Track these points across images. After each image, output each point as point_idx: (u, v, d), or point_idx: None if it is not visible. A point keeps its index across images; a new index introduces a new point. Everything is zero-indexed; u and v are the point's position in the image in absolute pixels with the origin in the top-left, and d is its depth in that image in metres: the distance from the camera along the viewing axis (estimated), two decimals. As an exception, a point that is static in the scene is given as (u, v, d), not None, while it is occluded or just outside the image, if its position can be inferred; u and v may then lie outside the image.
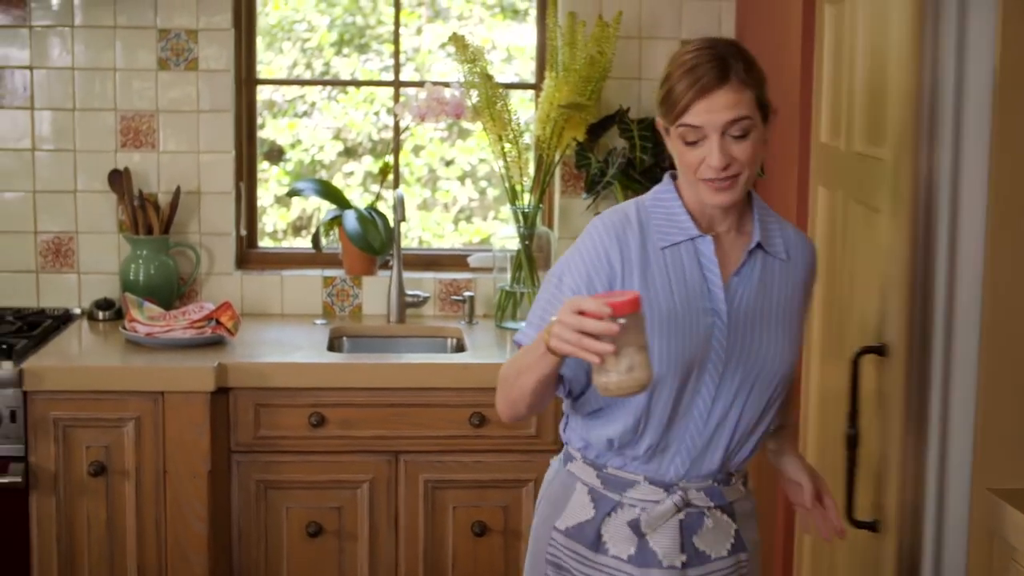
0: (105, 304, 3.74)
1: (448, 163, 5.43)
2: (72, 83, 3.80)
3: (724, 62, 2.15)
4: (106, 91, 3.80)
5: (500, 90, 3.73)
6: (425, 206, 5.42)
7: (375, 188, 4.10)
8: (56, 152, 3.82)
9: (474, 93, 3.74)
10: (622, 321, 1.93)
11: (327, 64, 5.33)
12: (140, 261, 3.73)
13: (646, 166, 3.68)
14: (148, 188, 3.82)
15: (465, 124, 4.14)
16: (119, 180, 3.78)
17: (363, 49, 5.40)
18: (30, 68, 3.80)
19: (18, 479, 3.19)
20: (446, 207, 5.48)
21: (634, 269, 2.21)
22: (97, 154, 3.82)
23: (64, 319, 3.71)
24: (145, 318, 3.49)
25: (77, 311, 3.81)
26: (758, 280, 2.25)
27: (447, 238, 5.37)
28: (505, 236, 3.86)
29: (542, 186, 3.79)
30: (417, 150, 5.34)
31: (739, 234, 2.27)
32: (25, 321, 3.62)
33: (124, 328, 3.48)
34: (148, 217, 3.75)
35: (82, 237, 3.84)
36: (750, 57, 2.19)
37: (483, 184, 5.42)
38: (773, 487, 3.18)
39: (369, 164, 5.25)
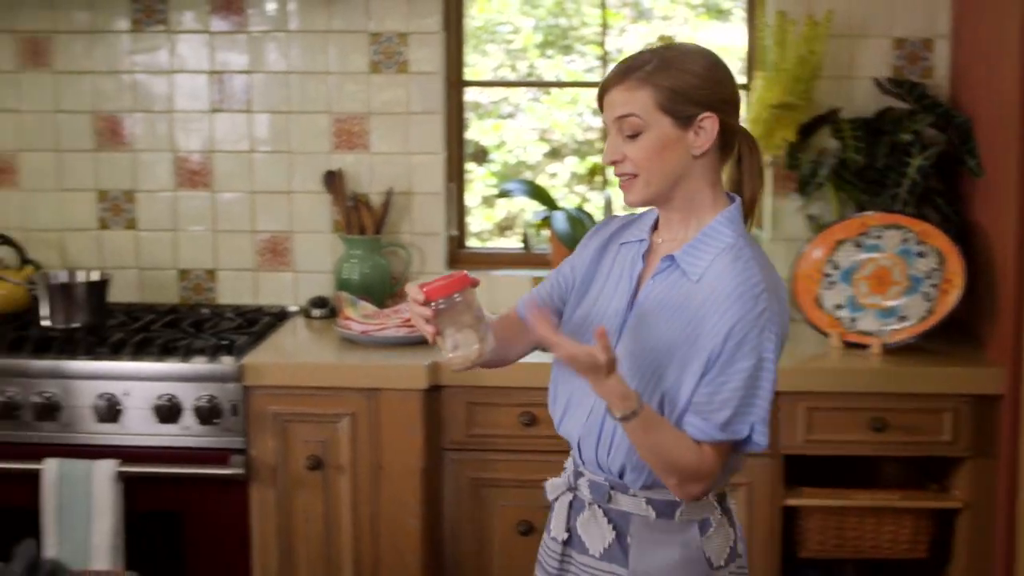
0: (320, 302, 3.83)
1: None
2: (288, 87, 3.90)
3: (634, 62, 2.19)
4: (320, 94, 3.89)
5: (709, 90, 3.70)
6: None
7: (579, 189, 4.11)
8: (273, 154, 3.92)
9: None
10: (438, 305, 2.08)
11: (531, 66, 5.37)
12: (354, 260, 3.80)
13: (859, 167, 3.61)
14: (361, 189, 3.89)
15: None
16: (334, 181, 3.86)
17: (567, 50, 5.42)
18: (248, 72, 3.91)
19: (240, 471, 3.28)
20: (648, 207, 5.45)
21: (585, 263, 2.36)
22: (312, 155, 3.91)
23: (281, 316, 3.81)
24: (359, 316, 3.56)
25: (293, 309, 3.91)
26: (663, 290, 2.22)
27: (648, 239, 5.34)
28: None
29: (752, 187, 3.74)
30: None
31: (676, 247, 2.26)
32: (244, 318, 3.73)
33: (339, 326, 3.55)
34: (361, 217, 3.82)
35: (298, 236, 3.94)
36: (678, 62, 2.17)
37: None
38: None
39: (573, 165, 5.26)
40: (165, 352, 3.39)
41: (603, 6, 4.06)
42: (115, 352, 3.39)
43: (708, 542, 2.23)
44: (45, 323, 3.49)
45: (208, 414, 3.29)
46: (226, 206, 3.95)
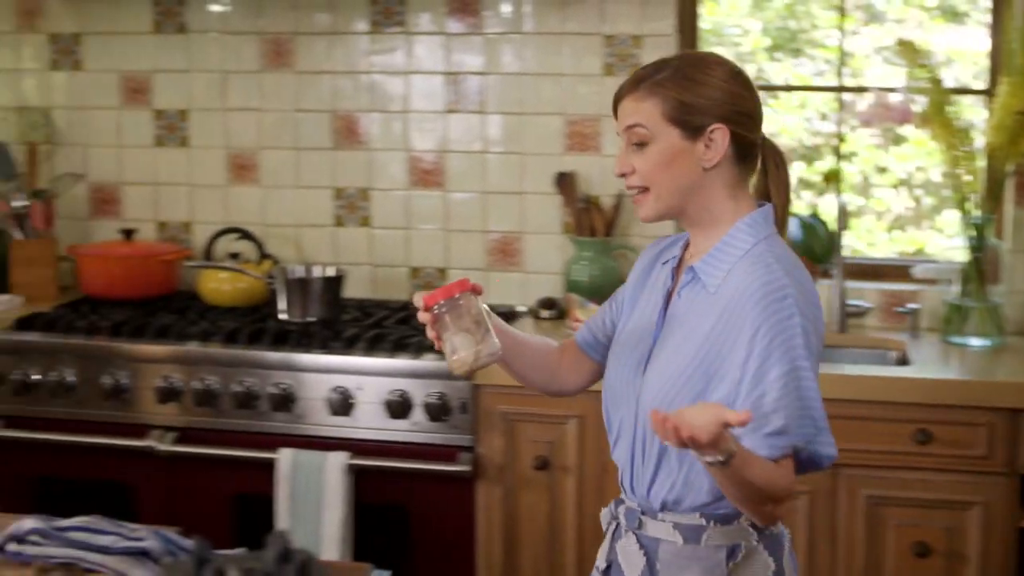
0: (548, 303, 3.84)
1: (882, 170, 5.28)
2: (521, 88, 3.93)
3: (647, 71, 2.13)
4: (553, 96, 3.91)
5: (949, 96, 3.59)
6: (857, 213, 5.29)
7: (805, 194, 4.03)
8: (505, 155, 3.96)
9: (920, 99, 3.62)
10: (436, 310, 2.12)
11: (760, 69, 5.29)
12: (583, 262, 3.81)
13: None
14: (592, 191, 3.89)
15: (905, 130, 4.00)
16: (565, 183, 3.87)
17: (796, 53, 5.33)
18: (483, 74, 3.95)
19: (467, 468, 3.32)
20: (879, 215, 5.33)
21: (632, 284, 2.31)
22: (544, 157, 3.93)
23: (509, 316, 3.84)
24: (588, 318, 3.55)
25: (521, 309, 3.93)
26: (684, 304, 2.15)
27: (880, 247, 5.22)
28: (948, 247, 3.71)
29: (994, 196, 3.62)
30: (850, 156, 5.22)
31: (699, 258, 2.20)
32: (474, 317, 3.77)
33: (568, 328, 3.56)
34: (592, 219, 3.82)
35: (528, 237, 3.96)
36: (689, 71, 2.11)
37: (917, 192, 5.24)
38: None
39: (802, 170, 5.17)
40: (397, 348, 3.45)
41: (841, 9, 3.97)
42: (349, 347, 3.46)
43: (737, 570, 2.12)
44: (282, 316, 3.58)
45: (438, 411, 3.33)
46: (458, 206, 3.99)
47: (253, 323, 3.66)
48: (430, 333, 2.14)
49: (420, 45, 3.97)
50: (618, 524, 2.24)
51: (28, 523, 1.90)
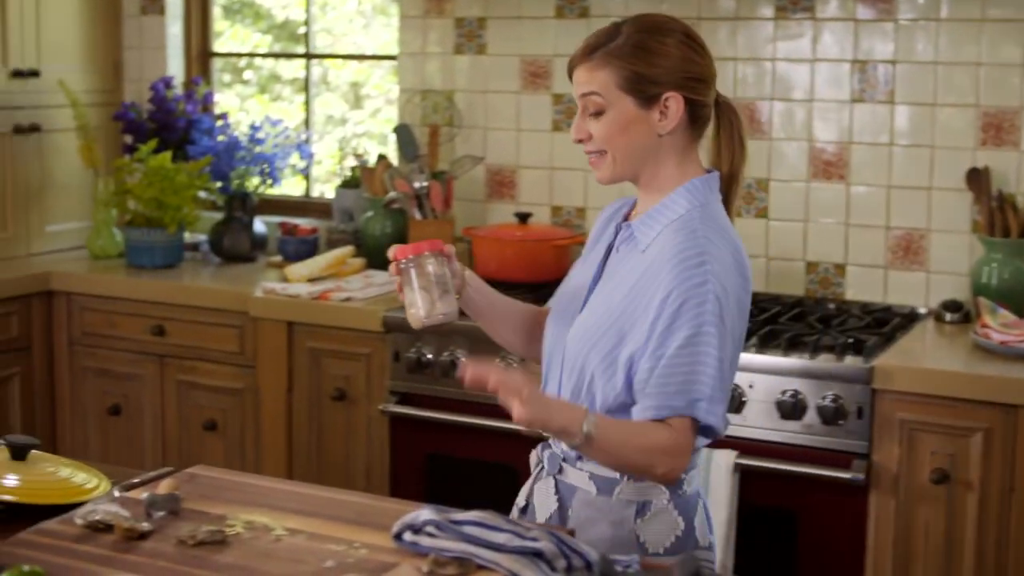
0: (953, 306, 3.63)
1: None
2: (934, 78, 3.71)
3: (600, 39, 2.16)
4: (968, 87, 3.68)
5: None
6: None
7: None
8: (912, 148, 3.75)
9: None
10: (401, 264, 2.20)
11: None
12: (994, 264, 3.56)
13: None
14: (1007, 188, 3.64)
15: None
16: (977, 179, 3.64)
17: None
18: (892, 62, 3.76)
19: (860, 476, 3.16)
20: None
21: (589, 240, 2.37)
22: (955, 151, 3.70)
23: (910, 318, 3.65)
24: (998, 325, 3.33)
25: (923, 311, 3.73)
26: (617, 259, 2.23)
27: None
28: None
29: None
30: None
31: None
32: (873, 317, 3.60)
33: (976, 333, 3.34)
34: (1006, 219, 3.57)
35: (934, 235, 3.75)
36: (643, 39, 2.13)
37: None
38: None
39: None
40: (791, 347, 3.33)
41: None
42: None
43: (644, 526, 2.17)
44: (674, 308, 3.52)
45: (832, 415, 3.19)
46: (860, 199, 3.82)
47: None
48: (395, 285, 2.23)
49: (827, 32, 3.82)
50: (542, 467, 2.30)
51: (425, 514, 1.91)
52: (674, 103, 2.15)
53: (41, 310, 4.17)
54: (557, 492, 2.25)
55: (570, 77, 2.22)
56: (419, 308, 2.21)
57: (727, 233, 2.20)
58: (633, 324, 2.12)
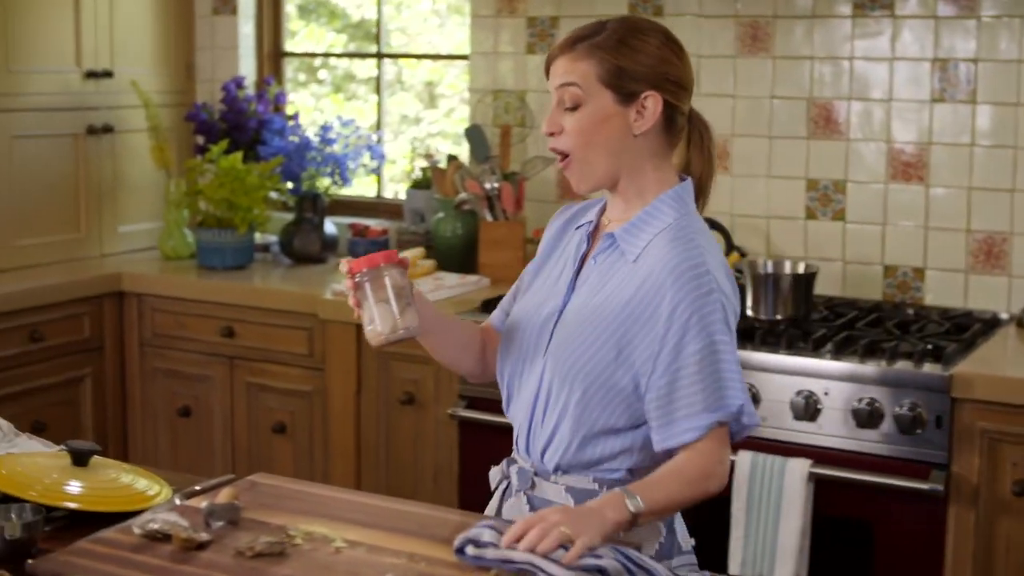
0: (1036, 312, 3.53)
1: None
2: (1018, 76, 3.61)
3: (584, 32, 2.12)
4: (1054, 85, 3.58)
5: None
6: None
7: None
8: (995, 148, 3.65)
9: None
10: (358, 278, 2.08)
11: None
12: (1080, 269, 3.47)
13: None
14: (1094, 191, 3.54)
15: None
16: (1063, 181, 3.54)
17: None
18: (974, 61, 3.66)
19: (938, 487, 3.08)
20: None
21: (542, 252, 2.29)
22: (1039, 152, 3.61)
23: (992, 324, 3.55)
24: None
25: (1004, 316, 3.63)
26: (602, 271, 2.15)
27: None
28: None
29: None
30: None
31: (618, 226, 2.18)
32: (952, 323, 3.51)
33: (1060, 341, 3.25)
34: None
35: (1016, 239, 3.64)
36: (627, 36, 2.09)
37: None
38: None
39: None
40: (868, 353, 3.25)
41: None
42: (816, 348, 3.29)
43: (629, 536, 2.03)
44: (749, 313, 3.45)
45: (910, 423, 3.10)
46: (939, 202, 3.73)
47: (717, 317, 3.55)
48: (351, 301, 2.12)
49: (907, 29, 3.73)
50: (508, 483, 2.23)
51: (487, 535, 1.86)
52: (652, 102, 2.10)
53: (112, 311, 4.19)
54: (532, 509, 2.16)
55: (547, 71, 2.16)
56: (378, 324, 2.08)
57: (714, 241, 2.17)
58: (633, 337, 2.07)
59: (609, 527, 1.91)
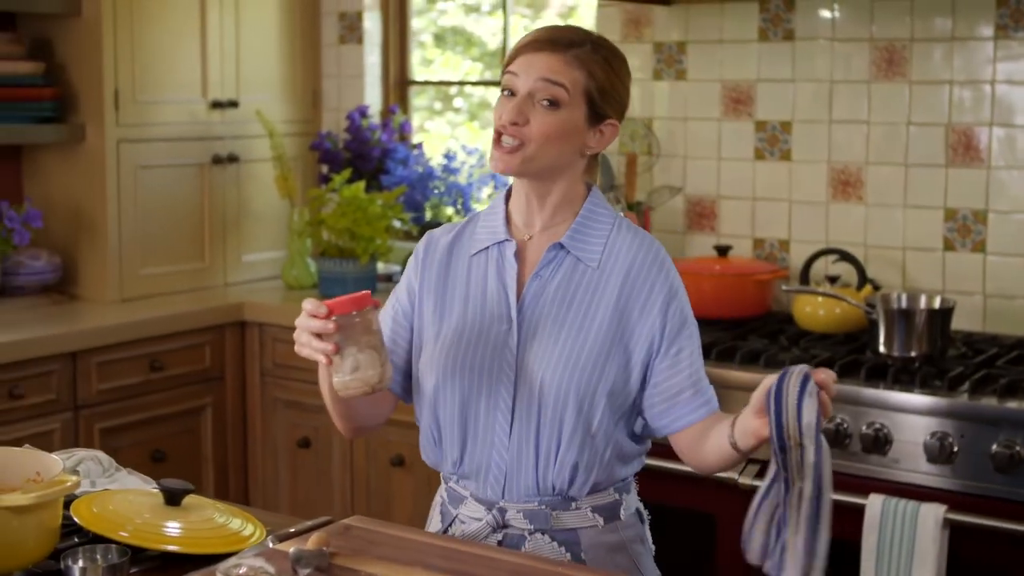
0: None
1: None
2: None
3: (570, 37, 2.09)
4: None
5: None
6: None
7: None
8: None
9: None
10: (346, 320, 1.93)
11: None
12: None
13: None
14: None
15: None
16: None
17: None
18: None
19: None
20: None
21: (431, 284, 2.19)
22: None
23: None
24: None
25: None
26: (560, 283, 2.12)
27: None
28: None
29: None
30: None
31: (555, 236, 2.15)
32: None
33: None
34: None
35: None
36: (611, 57, 2.11)
37: None
38: None
39: None
40: (1008, 392, 3.07)
41: None
42: (952, 387, 3.12)
43: (646, 531, 2.22)
44: (881, 349, 3.28)
45: (1053, 469, 2.92)
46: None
47: (848, 354, 3.39)
48: (324, 346, 1.96)
49: (1053, 51, 3.54)
50: (505, 533, 2.12)
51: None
52: (611, 131, 2.14)
53: (234, 341, 4.18)
54: (558, 543, 2.12)
55: (512, 59, 2.12)
56: (366, 371, 1.96)
57: None
58: (631, 336, 2.11)
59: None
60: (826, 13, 3.82)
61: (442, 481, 2.27)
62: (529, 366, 2.09)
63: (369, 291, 2.04)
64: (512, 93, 2.11)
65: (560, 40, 2.10)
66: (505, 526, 2.13)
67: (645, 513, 2.29)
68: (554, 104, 2.07)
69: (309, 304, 1.99)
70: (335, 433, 4.04)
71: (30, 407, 3.62)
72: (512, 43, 4.65)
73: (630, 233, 2.16)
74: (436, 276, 2.21)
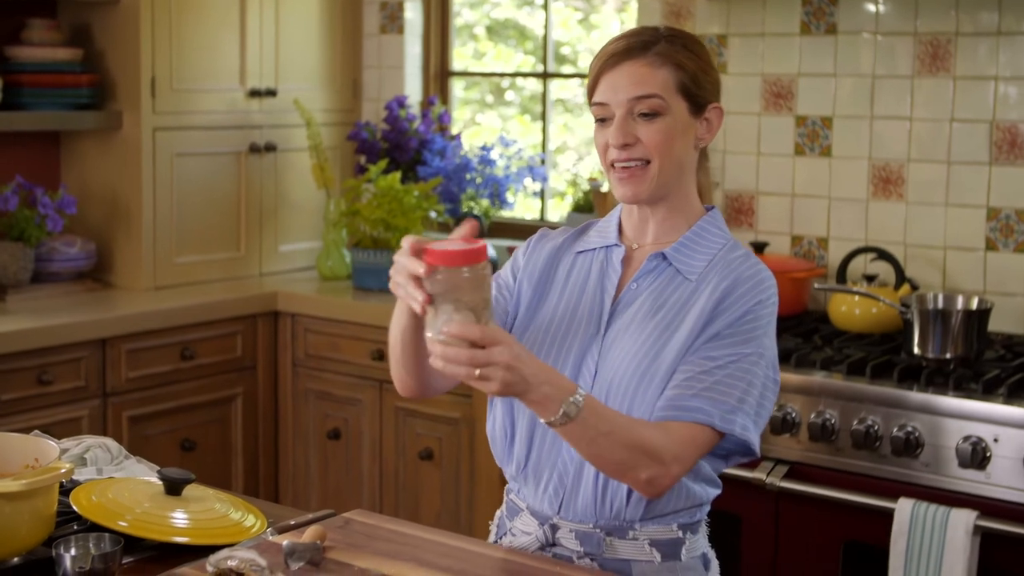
0: None
1: None
2: None
3: (642, 38, 2.00)
4: None
5: None
6: None
7: None
8: None
9: None
10: (443, 272, 1.70)
11: None
12: None
13: None
14: None
15: None
16: None
17: None
18: None
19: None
20: None
21: (535, 274, 2.12)
22: None
23: None
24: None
25: None
26: (653, 291, 2.03)
27: None
28: None
29: None
30: None
31: (663, 247, 2.06)
32: None
33: None
34: None
35: None
36: (689, 43, 2.02)
37: None
38: None
39: None
40: (1045, 398, 2.99)
41: None
42: (988, 391, 3.04)
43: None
44: (916, 350, 3.21)
45: (1088, 477, 2.84)
46: None
47: (882, 354, 3.32)
48: (415, 293, 1.75)
49: (1101, 47, 3.45)
50: (553, 553, 2.01)
51: None
52: (716, 115, 2.06)
53: (267, 330, 4.16)
54: (604, 568, 1.99)
55: (598, 78, 2.03)
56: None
57: None
58: (697, 340, 1.99)
59: (534, 396, 1.80)
60: (870, 6, 3.74)
61: (504, 493, 2.18)
62: (604, 372, 2.00)
63: (485, 244, 1.79)
64: (605, 119, 2.04)
65: (634, 46, 2.02)
66: (554, 544, 2.04)
67: (715, 562, 2.11)
68: (652, 114, 2.00)
69: (409, 241, 1.79)
70: (365, 425, 4.02)
71: (59, 393, 3.62)
72: (573, 36, 4.62)
73: (741, 257, 2.05)
74: (541, 269, 2.15)
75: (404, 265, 1.77)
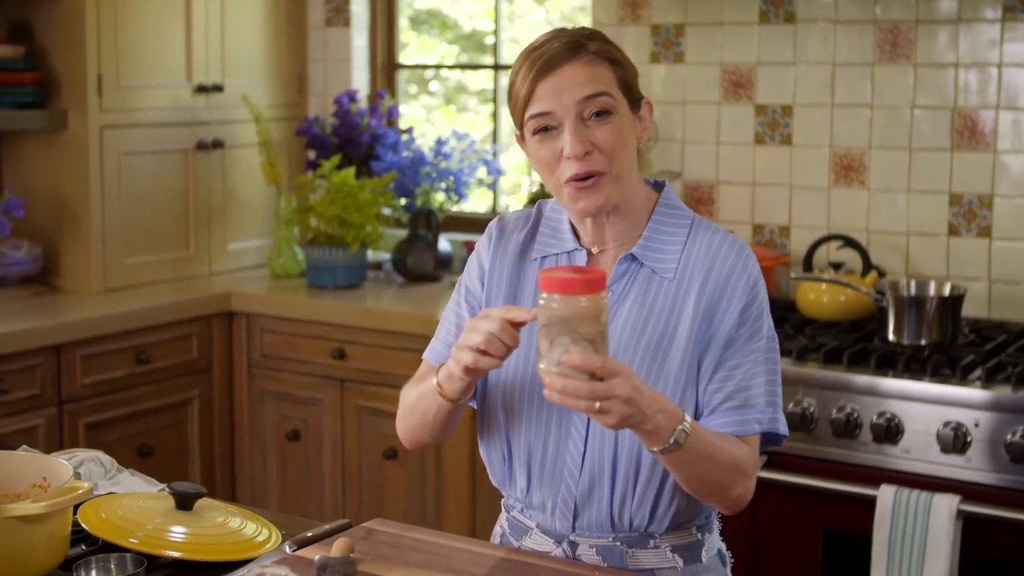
0: None
1: None
2: None
3: (572, 39, 1.90)
4: None
5: None
6: None
7: None
8: None
9: None
10: (561, 303, 1.66)
11: None
12: None
13: None
14: None
15: None
16: None
17: None
18: None
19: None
20: None
21: (502, 283, 2.03)
22: None
23: None
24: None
25: None
26: (635, 300, 1.95)
27: None
28: None
29: None
30: None
31: (627, 247, 1.98)
32: (1113, 349, 3.26)
33: None
34: None
35: None
36: (609, 40, 1.94)
37: None
38: None
39: None
40: (1021, 381, 3.01)
41: None
42: (965, 376, 3.06)
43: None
44: (890, 337, 3.22)
45: (1070, 459, 2.87)
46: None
47: (857, 342, 3.33)
48: (533, 328, 1.81)
49: (1059, 33, 3.49)
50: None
51: None
52: (647, 110, 2.00)
53: (221, 331, 4.07)
54: None
55: (535, 85, 1.89)
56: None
57: None
58: (709, 347, 1.93)
59: (648, 427, 1.76)
60: (827, -6, 3.76)
61: (503, 510, 2.13)
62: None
63: (604, 272, 1.74)
64: (549, 128, 1.91)
65: (568, 47, 1.91)
66: (576, 559, 1.99)
67: (728, 555, 2.11)
68: (603, 112, 1.90)
69: (513, 313, 1.79)
70: (326, 425, 3.95)
71: (14, 402, 3.51)
72: (501, 25, 4.57)
73: (707, 233, 1.98)
74: (508, 275, 2.05)
75: (497, 317, 1.79)
